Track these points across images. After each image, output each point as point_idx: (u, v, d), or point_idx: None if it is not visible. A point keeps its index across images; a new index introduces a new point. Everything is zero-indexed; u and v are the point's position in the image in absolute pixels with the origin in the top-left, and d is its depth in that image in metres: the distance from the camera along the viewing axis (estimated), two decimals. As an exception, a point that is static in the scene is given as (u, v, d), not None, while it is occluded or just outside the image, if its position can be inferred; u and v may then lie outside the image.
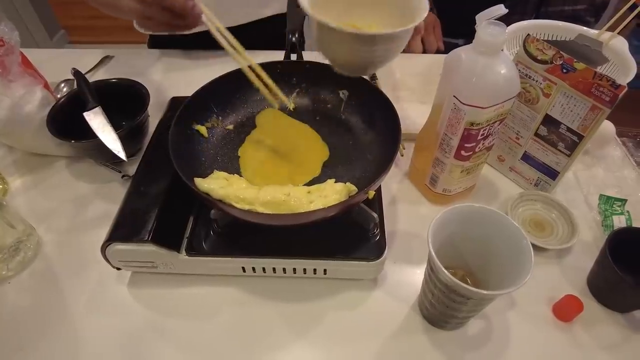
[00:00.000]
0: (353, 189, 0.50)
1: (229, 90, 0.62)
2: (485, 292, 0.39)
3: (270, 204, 0.47)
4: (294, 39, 0.68)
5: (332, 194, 0.49)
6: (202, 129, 0.60)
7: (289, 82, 0.66)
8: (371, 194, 0.51)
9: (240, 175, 0.56)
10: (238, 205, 0.47)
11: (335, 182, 0.52)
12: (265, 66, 0.64)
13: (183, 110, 0.56)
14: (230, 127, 0.62)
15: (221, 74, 0.60)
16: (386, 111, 0.57)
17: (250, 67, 0.55)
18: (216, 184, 0.49)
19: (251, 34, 0.95)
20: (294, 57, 0.68)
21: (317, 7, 0.49)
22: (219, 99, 0.61)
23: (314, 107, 0.65)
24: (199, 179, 0.50)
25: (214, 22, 0.54)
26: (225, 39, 0.54)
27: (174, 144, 0.52)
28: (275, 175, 0.56)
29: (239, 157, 0.59)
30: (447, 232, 0.46)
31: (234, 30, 0.95)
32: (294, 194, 0.49)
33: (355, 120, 0.63)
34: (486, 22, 0.46)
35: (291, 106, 0.65)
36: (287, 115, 0.65)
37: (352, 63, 0.49)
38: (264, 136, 0.62)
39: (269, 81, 0.56)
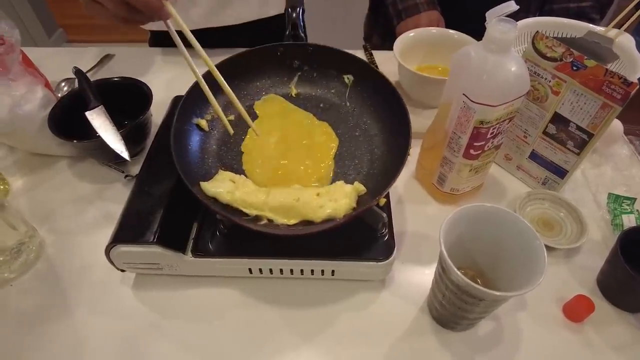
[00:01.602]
0: (362, 189, 0.50)
1: (230, 75, 0.58)
2: (498, 293, 0.39)
3: (279, 209, 0.47)
4: (294, 14, 0.63)
5: (342, 197, 0.48)
6: (203, 123, 0.57)
7: (291, 66, 0.63)
8: (382, 201, 0.49)
9: (246, 175, 0.54)
10: (246, 211, 0.46)
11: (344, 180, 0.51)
12: (265, 49, 0.61)
13: (182, 106, 0.54)
14: (231, 117, 0.59)
15: (216, 63, 0.58)
16: (394, 104, 0.55)
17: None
18: (223, 188, 0.48)
19: (254, 32, 0.94)
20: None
21: (405, 53, 0.73)
22: (217, 89, 0.59)
23: (318, 93, 0.63)
24: (205, 183, 0.49)
25: (181, 26, 0.46)
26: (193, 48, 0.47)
27: (176, 147, 0.50)
28: (282, 174, 0.55)
29: (243, 152, 0.57)
30: (457, 232, 0.45)
31: (237, 28, 0.94)
32: (303, 198, 0.48)
33: (362, 110, 0.61)
34: (496, 19, 0.45)
35: (293, 92, 0.63)
36: (289, 103, 0.62)
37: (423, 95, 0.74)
38: (267, 128, 0.59)
39: (233, 98, 0.51)
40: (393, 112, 0.55)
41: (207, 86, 0.50)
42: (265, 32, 0.97)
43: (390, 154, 0.55)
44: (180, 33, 0.46)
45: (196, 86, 0.54)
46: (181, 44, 0.46)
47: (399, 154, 0.48)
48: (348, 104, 0.62)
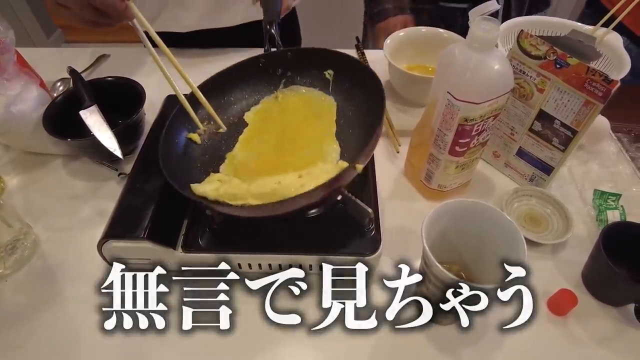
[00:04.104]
0: (344, 165, 0.50)
1: (218, 93, 0.61)
2: (480, 286, 0.40)
3: (262, 195, 0.47)
4: (272, 30, 0.66)
5: (322, 173, 0.48)
6: (195, 137, 0.58)
7: (274, 74, 0.65)
8: (359, 167, 0.48)
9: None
10: (232, 203, 0.47)
11: None
12: (246, 63, 0.63)
13: (172, 120, 0.55)
14: (220, 131, 0.61)
15: (205, 80, 0.59)
16: (371, 81, 0.56)
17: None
18: (210, 187, 0.49)
19: (248, 34, 0.95)
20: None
21: (395, 52, 0.75)
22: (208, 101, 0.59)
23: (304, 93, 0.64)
24: (195, 185, 0.50)
25: (146, 27, 0.48)
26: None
27: (164, 157, 0.51)
28: (274, 168, 0.55)
29: (234, 158, 0.58)
30: (441, 227, 0.46)
31: (233, 29, 0.95)
32: (284, 181, 0.48)
33: (345, 99, 0.62)
34: (479, 17, 0.46)
35: (280, 98, 0.64)
36: (278, 106, 0.63)
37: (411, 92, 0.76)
38: (257, 133, 0.61)
39: (203, 99, 0.55)
40: (370, 93, 0.56)
41: (187, 101, 0.53)
42: (260, 33, 0.97)
43: (371, 131, 0.54)
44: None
45: (189, 97, 0.56)
46: (156, 55, 0.50)
47: (375, 127, 0.49)
48: (333, 97, 0.63)
